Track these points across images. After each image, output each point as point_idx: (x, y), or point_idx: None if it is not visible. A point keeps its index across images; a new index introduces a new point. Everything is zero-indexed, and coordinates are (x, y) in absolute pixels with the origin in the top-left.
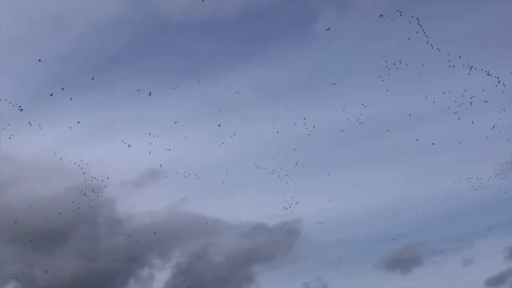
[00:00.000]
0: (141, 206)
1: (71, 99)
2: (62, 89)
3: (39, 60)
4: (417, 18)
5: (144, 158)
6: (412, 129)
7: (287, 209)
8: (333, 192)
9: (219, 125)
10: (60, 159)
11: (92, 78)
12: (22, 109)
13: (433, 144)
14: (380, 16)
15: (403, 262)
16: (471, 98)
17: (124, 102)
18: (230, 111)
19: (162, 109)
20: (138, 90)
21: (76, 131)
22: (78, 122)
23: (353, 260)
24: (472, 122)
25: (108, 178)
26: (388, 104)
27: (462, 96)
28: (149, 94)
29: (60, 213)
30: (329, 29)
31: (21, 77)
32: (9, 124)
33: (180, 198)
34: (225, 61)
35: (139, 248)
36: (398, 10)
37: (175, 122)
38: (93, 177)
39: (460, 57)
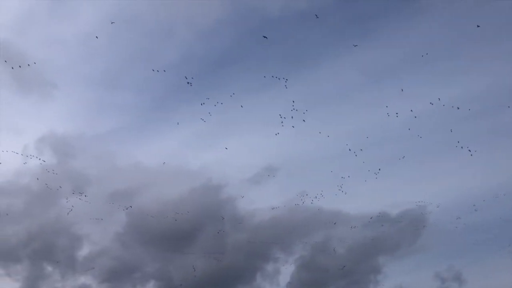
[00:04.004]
0: (261, 203)
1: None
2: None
3: (154, 70)
4: None
5: (259, 155)
6: None
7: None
8: (458, 176)
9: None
10: (183, 162)
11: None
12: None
13: None
14: None
15: None
16: None
17: (236, 101)
18: (340, 100)
19: (272, 104)
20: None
21: (194, 135)
22: (210, 114)
23: (486, 245)
24: None
25: (227, 177)
26: None
27: None
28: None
29: (186, 214)
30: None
31: (140, 87)
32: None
33: (298, 192)
34: (330, 47)
35: (263, 243)
36: None
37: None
38: (214, 177)
39: None
